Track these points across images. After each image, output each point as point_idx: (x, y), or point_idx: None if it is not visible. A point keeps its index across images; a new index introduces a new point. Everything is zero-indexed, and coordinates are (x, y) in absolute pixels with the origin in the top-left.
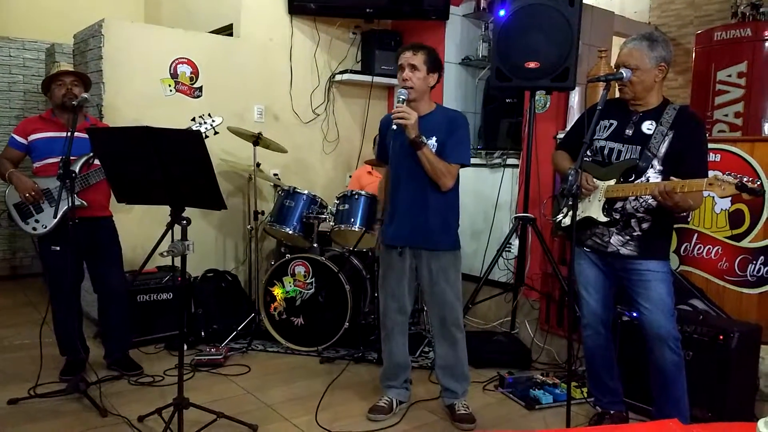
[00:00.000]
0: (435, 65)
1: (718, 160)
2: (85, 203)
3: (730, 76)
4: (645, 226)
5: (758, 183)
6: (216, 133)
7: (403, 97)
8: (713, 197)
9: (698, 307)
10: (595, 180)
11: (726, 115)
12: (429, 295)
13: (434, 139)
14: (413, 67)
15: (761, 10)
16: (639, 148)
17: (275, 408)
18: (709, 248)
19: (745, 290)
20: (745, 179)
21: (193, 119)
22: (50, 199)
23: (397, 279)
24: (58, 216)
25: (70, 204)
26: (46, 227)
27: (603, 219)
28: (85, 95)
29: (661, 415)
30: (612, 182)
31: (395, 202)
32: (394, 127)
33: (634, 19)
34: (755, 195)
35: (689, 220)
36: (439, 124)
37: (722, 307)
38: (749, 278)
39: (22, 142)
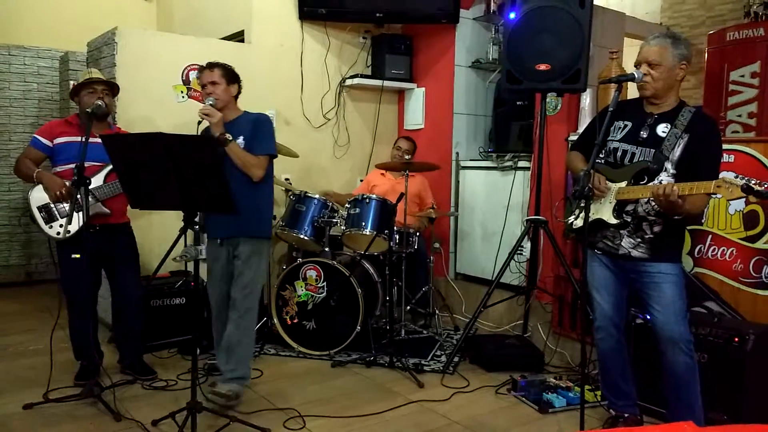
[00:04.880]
0: (232, 77)
1: (732, 160)
2: (109, 211)
3: (743, 76)
4: (657, 229)
5: (765, 185)
6: None
7: (211, 102)
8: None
9: (713, 310)
10: (607, 182)
11: (739, 116)
12: (234, 278)
13: (241, 138)
14: (214, 83)
15: None
16: (653, 151)
17: (288, 412)
18: (724, 250)
19: (760, 292)
20: (752, 182)
21: None
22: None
23: (218, 268)
24: (74, 222)
25: (84, 212)
26: (70, 232)
27: (613, 221)
28: (99, 102)
29: (675, 418)
30: (623, 184)
31: None
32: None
33: (646, 19)
34: (762, 197)
35: (703, 221)
36: (245, 126)
37: (737, 309)
38: (764, 280)
39: (47, 144)
